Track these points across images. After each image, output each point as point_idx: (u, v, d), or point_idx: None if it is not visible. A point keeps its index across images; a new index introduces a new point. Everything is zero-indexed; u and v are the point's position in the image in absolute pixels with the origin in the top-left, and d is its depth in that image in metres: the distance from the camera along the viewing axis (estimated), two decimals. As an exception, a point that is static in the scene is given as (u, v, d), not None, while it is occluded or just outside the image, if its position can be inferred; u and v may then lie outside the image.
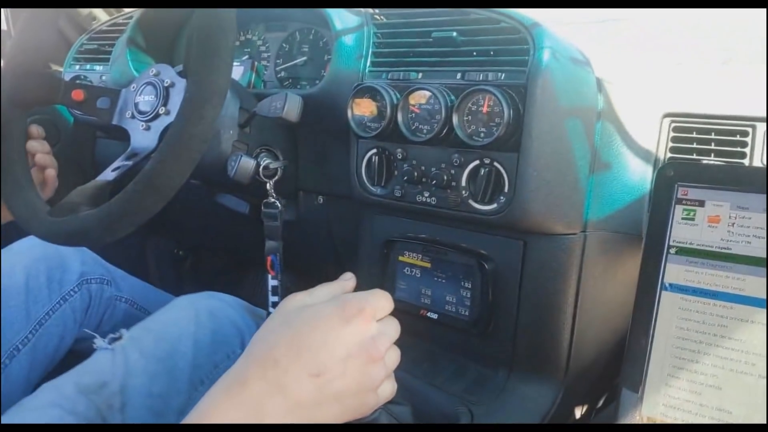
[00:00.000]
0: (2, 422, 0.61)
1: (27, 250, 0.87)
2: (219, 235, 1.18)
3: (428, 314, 0.75)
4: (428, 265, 0.75)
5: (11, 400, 0.67)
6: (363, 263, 0.84)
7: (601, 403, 0.79)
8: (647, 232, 0.48)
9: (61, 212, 0.69)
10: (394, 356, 0.51)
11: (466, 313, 0.72)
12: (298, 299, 0.52)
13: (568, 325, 0.69)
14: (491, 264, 0.70)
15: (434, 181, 0.69)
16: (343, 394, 0.47)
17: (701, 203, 0.46)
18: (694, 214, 0.46)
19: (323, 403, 0.46)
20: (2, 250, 0.87)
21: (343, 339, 0.47)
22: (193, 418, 0.45)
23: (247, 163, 0.74)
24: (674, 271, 0.46)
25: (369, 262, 0.83)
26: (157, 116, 0.77)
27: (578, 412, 0.76)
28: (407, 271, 0.77)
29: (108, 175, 0.74)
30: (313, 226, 0.94)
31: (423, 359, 0.76)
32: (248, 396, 0.44)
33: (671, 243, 0.47)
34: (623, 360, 0.46)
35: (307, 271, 1.10)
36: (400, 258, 0.78)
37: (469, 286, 0.72)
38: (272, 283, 0.84)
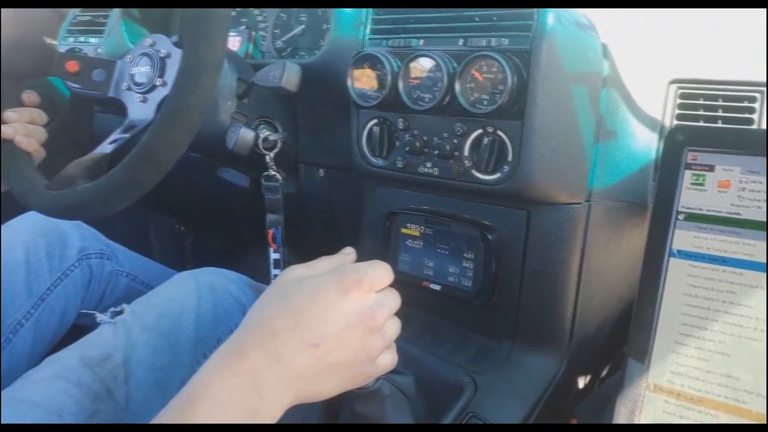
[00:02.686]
0: (6, 395, 0.61)
1: (26, 225, 0.87)
2: (220, 210, 1.17)
3: (431, 286, 0.75)
4: (430, 236, 0.75)
5: (15, 375, 0.67)
6: (365, 236, 0.84)
7: (605, 372, 0.79)
8: (655, 198, 0.47)
9: (58, 185, 0.68)
10: (394, 327, 0.51)
11: (469, 285, 0.72)
12: (296, 272, 0.51)
13: (572, 295, 0.68)
14: (494, 235, 0.69)
15: (436, 151, 0.68)
16: (342, 365, 0.47)
17: (711, 168, 0.45)
18: (704, 179, 0.45)
19: (322, 373, 0.46)
20: (2, 226, 0.86)
21: (341, 310, 0.47)
22: (191, 388, 0.45)
23: (247, 134, 0.73)
24: (682, 238, 0.46)
25: (371, 234, 0.82)
26: (153, 88, 0.75)
27: (581, 382, 0.76)
28: (409, 242, 0.77)
29: (105, 147, 0.73)
30: (314, 200, 0.93)
31: (425, 330, 0.75)
32: (247, 366, 0.44)
33: (680, 209, 0.46)
34: (630, 328, 0.45)
35: (308, 244, 1.09)
36: (402, 230, 0.77)
37: (472, 257, 0.71)
38: (274, 256, 0.83)
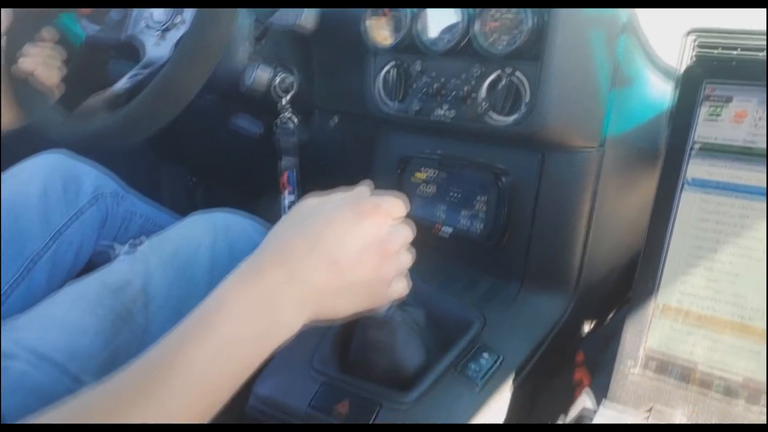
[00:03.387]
0: (32, 313, 0.63)
1: (43, 162, 0.88)
2: (232, 160, 1.18)
3: (442, 229, 0.76)
4: (443, 181, 0.76)
5: (34, 305, 0.68)
6: (377, 182, 0.84)
7: (608, 321, 0.81)
8: (671, 129, 0.48)
9: (78, 117, 0.69)
10: (407, 257, 0.52)
11: (480, 227, 0.73)
12: (313, 201, 0.53)
13: (581, 240, 0.70)
14: (507, 178, 0.70)
15: (453, 94, 0.69)
16: (358, 284, 0.48)
17: (728, 99, 0.46)
18: (720, 111, 0.46)
19: (338, 291, 0.48)
20: (20, 164, 0.88)
21: (358, 233, 0.48)
22: (209, 302, 0.46)
23: (264, 73, 0.74)
24: (696, 168, 0.47)
25: (384, 180, 0.83)
26: (172, 26, 0.76)
27: (586, 327, 0.77)
28: (422, 188, 0.78)
29: (123, 83, 0.73)
30: (326, 147, 0.94)
31: (436, 271, 0.77)
32: (264, 284, 0.45)
33: (695, 140, 0.47)
34: (641, 253, 0.46)
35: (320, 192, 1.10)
36: (416, 175, 0.78)
37: (484, 201, 0.72)
38: (288, 199, 0.85)
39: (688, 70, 0.49)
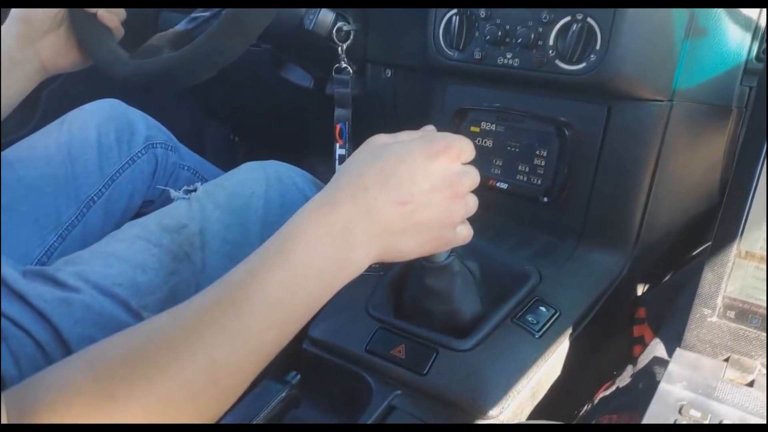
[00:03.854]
0: (93, 249, 0.64)
1: (98, 109, 0.89)
2: (277, 114, 1.18)
3: (497, 184, 0.75)
4: (501, 134, 0.74)
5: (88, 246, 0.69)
6: (431, 136, 0.83)
7: (669, 277, 0.79)
8: (763, 70, 0.45)
9: (143, 55, 0.69)
10: (474, 201, 0.52)
11: (539, 182, 0.71)
12: (383, 138, 0.52)
13: (643, 197, 0.68)
14: (571, 131, 0.68)
15: (519, 40, 0.67)
16: (426, 225, 0.48)
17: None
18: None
19: (407, 231, 0.48)
20: (75, 110, 0.89)
21: (430, 172, 0.48)
22: (285, 232, 0.46)
23: (327, 16, 0.73)
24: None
25: (438, 134, 0.82)
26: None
27: (639, 290, 0.76)
28: (478, 141, 0.76)
29: (186, 23, 0.73)
30: (379, 102, 0.93)
31: (487, 229, 0.75)
32: (338, 217, 0.45)
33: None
34: (725, 197, 0.45)
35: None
36: (472, 128, 0.77)
37: (544, 155, 0.71)
38: (339, 152, 0.84)
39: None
